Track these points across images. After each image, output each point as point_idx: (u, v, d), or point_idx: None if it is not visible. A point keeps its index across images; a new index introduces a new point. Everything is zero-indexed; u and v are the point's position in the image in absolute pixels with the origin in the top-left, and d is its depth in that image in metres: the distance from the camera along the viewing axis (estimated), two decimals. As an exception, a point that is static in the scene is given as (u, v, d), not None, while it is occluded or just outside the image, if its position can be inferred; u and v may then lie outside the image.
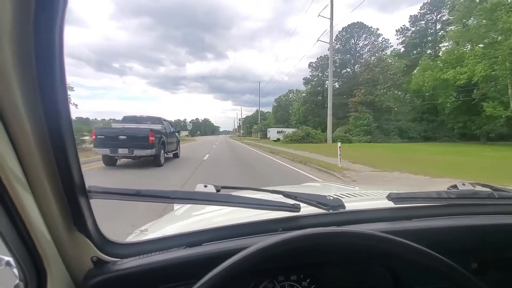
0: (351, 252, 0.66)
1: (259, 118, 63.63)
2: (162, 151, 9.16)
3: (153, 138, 8.35)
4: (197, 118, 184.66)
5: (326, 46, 32.41)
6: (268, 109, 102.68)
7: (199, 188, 0.74)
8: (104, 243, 0.63)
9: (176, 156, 11.63)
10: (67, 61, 0.44)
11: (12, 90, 0.40)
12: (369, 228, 0.68)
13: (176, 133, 11.75)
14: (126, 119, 10.30)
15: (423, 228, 0.71)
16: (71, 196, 0.53)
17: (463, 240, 0.73)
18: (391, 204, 0.75)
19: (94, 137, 8.39)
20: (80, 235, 0.58)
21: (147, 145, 8.26)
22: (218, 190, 0.73)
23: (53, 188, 0.50)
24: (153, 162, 8.75)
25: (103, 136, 8.25)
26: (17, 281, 0.52)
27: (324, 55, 45.39)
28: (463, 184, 0.84)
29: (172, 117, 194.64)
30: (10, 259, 0.52)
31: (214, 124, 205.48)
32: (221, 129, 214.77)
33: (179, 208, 1.34)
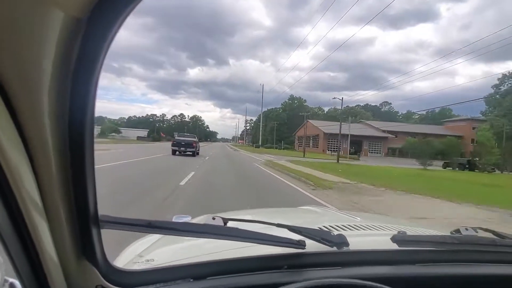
0: None
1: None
2: (195, 150, 21.16)
3: (195, 144, 20.50)
4: (181, 114, 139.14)
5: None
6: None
7: (208, 220, 0.76)
8: (109, 271, 0.64)
9: (198, 153, 23.57)
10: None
11: (43, 125, 0.43)
12: (372, 272, 0.71)
13: (198, 141, 24.19)
14: (180, 135, 22.82)
15: (426, 275, 0.73)
16: (84, 226, 0.55)
17: None
18: (395, 246, 0.77)
19: (172, 142, 20.74)
20: (87, 263, 0.59)
21: (192, 147, 20.33)
22: (225, 223, 0.76)
23: (68, 217, 0.52)
24: (192, 155, 20.67)
25: (175, 142, 20.41)
26: None
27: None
28: (466, 229, 0.86)
29: (146, 113, 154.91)
30: (15, 281, 0.51)
31: (211, 130, 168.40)
32: (218, 136, 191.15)
33: None
